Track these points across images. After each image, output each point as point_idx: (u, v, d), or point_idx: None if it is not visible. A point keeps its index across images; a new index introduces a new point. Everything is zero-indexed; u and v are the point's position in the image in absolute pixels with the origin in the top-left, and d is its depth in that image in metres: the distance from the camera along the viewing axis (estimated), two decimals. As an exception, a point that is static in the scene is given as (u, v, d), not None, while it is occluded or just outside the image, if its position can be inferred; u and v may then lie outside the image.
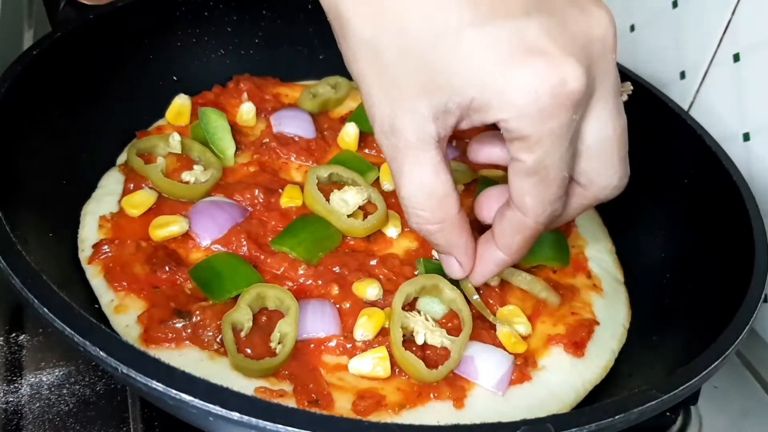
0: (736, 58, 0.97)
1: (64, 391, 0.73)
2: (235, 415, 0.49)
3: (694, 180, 0.90)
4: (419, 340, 0.74)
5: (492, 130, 0.63)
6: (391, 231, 0.88)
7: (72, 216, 0.84)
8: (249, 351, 0.70)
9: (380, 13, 0.56)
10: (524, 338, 0.79)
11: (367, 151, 1.02)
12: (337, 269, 0.82)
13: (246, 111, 1.02)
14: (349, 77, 1.12)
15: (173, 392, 0.50)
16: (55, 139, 0.85)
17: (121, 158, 0.94)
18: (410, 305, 0.78)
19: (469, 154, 0.70)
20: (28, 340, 0.78)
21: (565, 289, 0.85)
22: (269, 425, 0.48)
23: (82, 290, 0.76)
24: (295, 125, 1.01)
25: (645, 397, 0.56)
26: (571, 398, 0.75)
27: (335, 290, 0.79)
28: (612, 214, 1.00)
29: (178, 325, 0.72)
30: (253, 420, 0.48)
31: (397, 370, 0.72)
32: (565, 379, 0.76)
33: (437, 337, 0.74)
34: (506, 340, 0.77)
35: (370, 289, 0.79)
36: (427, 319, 0.76)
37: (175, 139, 0.93)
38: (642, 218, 0.96)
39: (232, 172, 0.93)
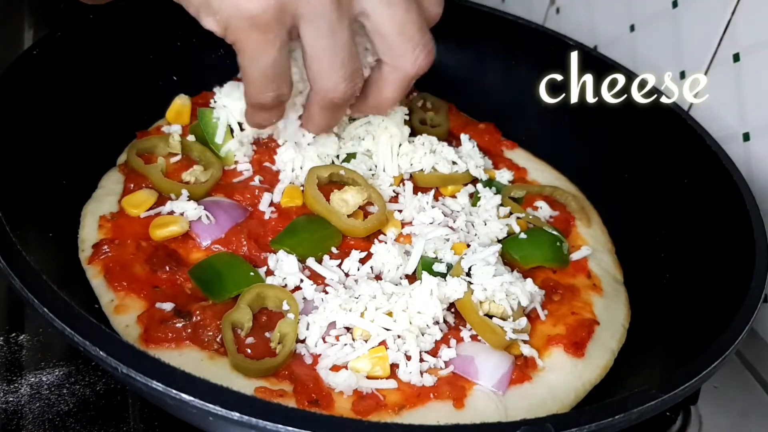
0: (736, 58, 0.97)
1: (64, 391, 0.73)
2: (235, 415, 0.49)
3: (694, 180, 0.90)
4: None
5: None
6: (391, 231, 0.88)
7: (72, 216, 0.84)
8: (249, 351, 0.70)
9: None
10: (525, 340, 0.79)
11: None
12: (337, 269, 0.81)
13: (246, 111, 1.02)
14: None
15: (173, 392, 0.50)
16: (55, 139, 0.85)
17: (121, 158, 0.94)
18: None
19: None
20: (28, 340, 0.78)
21: (565, 289, 0.85)
22: (269, 425, 0.48)
23: (82, 290, 0.76)
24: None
25: (645, 397, 0.56)
26: (571, 398, 0.75)
27: (335, 290, 0.79)
28: (612, 214, 1.00)
29: (178, 325, 0.72)
30: (253, 420, 0.49)
31: (396, 370, 0.72)
32: (565, 379, 0.76)
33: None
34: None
35: (370, 289, 0.78)
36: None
37: (175, 139, 0.93)
38: (642, 218, 0.96)
39: (232, 172, 0.93)
